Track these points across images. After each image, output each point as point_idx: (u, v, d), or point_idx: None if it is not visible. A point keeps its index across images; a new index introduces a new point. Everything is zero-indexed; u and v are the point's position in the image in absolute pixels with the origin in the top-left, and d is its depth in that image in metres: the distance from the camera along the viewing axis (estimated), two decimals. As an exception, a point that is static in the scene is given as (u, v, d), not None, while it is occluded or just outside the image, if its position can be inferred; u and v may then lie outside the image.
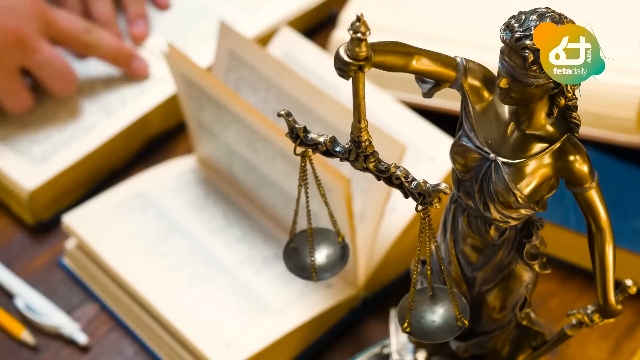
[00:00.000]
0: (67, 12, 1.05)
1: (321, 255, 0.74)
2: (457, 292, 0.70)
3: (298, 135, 0.66)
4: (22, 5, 1.00)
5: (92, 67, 1.09)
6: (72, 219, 0.97)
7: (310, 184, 0.71)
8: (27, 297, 0.95)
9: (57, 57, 1.03)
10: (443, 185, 0.63)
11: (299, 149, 0.67)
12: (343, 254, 0.74)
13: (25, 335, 0.94)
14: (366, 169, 0.66)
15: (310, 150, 0.67)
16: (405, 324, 0.69)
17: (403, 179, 0.65)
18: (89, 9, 1.10)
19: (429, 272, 0.69)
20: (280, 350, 0.90)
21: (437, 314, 0.69)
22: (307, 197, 0.71)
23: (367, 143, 0.64)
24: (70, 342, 0.94)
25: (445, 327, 0.69)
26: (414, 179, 0.64)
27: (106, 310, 0.96)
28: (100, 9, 1.10)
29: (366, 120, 0.63)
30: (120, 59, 1.07)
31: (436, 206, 0.64)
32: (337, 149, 0.66)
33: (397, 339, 0.86)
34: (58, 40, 1.04)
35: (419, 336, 0.69)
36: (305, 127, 0.66)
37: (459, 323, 0.69)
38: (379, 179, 0.66)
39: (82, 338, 0.93)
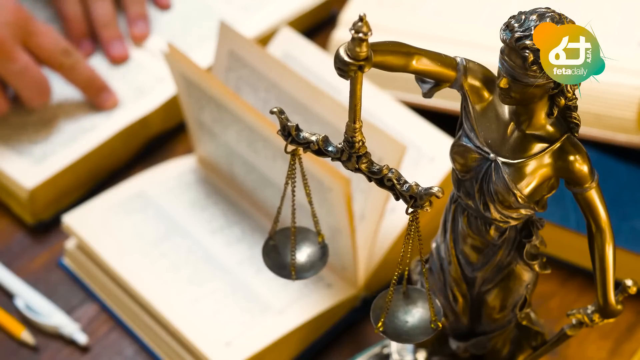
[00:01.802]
0: (51, 29, 1.04)
1: (302, 254, 0.74)
2: (432, 294, 0.69)
3: (290, 133, 0.66)
4: (1, 10, 0.99)
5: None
6: (72, 219, 0.97)
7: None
8: (27, 297, 0.95)
9: (32, 68, 1.01)
10: (435, 189, 0.63)
11: (290, 147, 0.67)
12: (323, 254, 0.74)
13: (25, 335, 0.93)
14: (358, 170, 0.65)
15: (301, 148, 0.67)
16: (380, 324, 0.69)
17: (395, 181, 0.64)
18: (89, 10, 1.10)
19: (405, 274, 0.69)
20: (280, 350, 0.90)
21: (410, 315, 0.69)
22: (293, 195, 0.71)
23: (360, 144, 0.64)
24: (70, 342, 0.94)
25: (419, 329, 0.69)
26: (405, 182, 0.64)
27: (106, 310, 0.96)
28: (100, 9, 1.09)
29: (361, 121, 0.63)
30: (90, 88, 1.05)
31: (427, 209, 0.64)
32: (330, 148, 0.66)
33: (397, 339, 0.86)
34: (34, 53, 1.02)
35: (392, 336, 0.69)
36: (297, 125, 0.66)
37: (432, 325, 0.69)
38: (371, 180, 0.66)
39: (82, 338, 0.93)
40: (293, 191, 0.71)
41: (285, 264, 0.73)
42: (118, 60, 1.09)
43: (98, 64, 1.09)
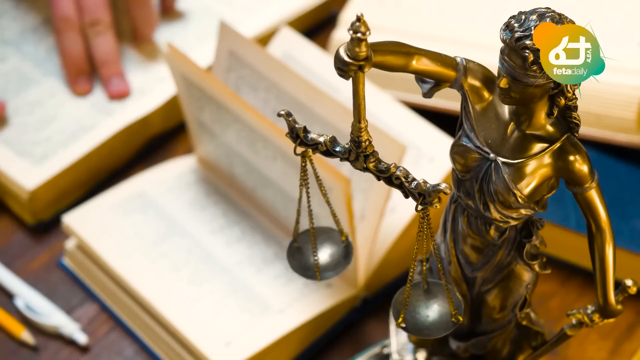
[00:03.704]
0: None
1: (324, 254, 0.74)
2: (451, 287, 0.70)
3: (298, 135, 0.66)
4: None
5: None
6: (72, 219, 0.97)
7: (311, 184, 0.71)
8: (27, 297, 0.95)
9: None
10: (443, 185, 0.63)
11: (299, 149, 0.67)
12: (346, 252, 0.74)
13: (25, 335, 0.93)
14: (366, 169, 0.66)
15: (310, 150, 0.67)
16: (400, 319, 0.69)
17: (403, 179, 0.65)
18: (89, 46, 1.07)
19: (424, 269, 0.69)
20: (280, 350, 0.90)
21: (431, 310, 0.69)
22: (308, 197, 0.71)
23: (367, 143, 0.64)
24: (70, 342, 0.94)
25: (440, 323, 0.69)
26: (414, 179, 0.64)
27: (106, 310, 0.96)
28: (101, 46, 1.07)
29: (366, 120, 0.63)
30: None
31: (436, 206, 0.64)
32: (337, 149, 0.66)
33: (397, 339, 0.86)
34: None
35: (413, 331, 0.69)
36: (305, 127, 0.66)
37: (452, 319, 0.69)
38: (379, 179, 0.66)
39: (82, 338, 0.93)
40: (308, 193, 0.71)
41: (309, 265, 0.74)
42: (117, 97, 1.07)
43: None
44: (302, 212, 0.72)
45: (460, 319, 0.69)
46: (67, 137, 1.04)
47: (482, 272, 0.73)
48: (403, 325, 0.69)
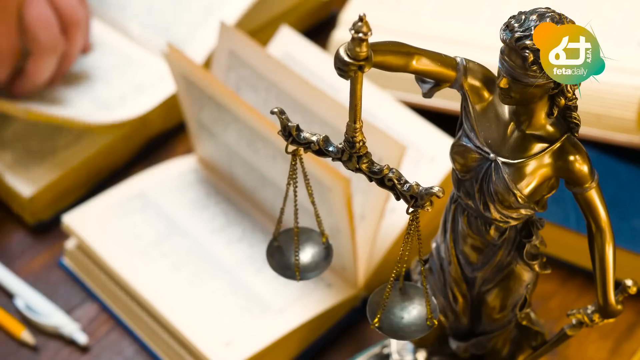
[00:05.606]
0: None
1: (306, 254, 0.74)
2: (429, 291, 0.69)
3: (290, 133, 0.66)
4: None
5: (92, 66, 1.09)
6: (72, 219, 0.97)
7: (300, 183, 0.71)
8: (27, 297, 0.95)
9: None
10: (436, 189, 0.63)
11: (291, 147, 0.67)
12: (327, 254, 0.74)
13: (25, 335, 0.93)
14: (359, 170, 0.65)
15: (301, 149, 0.67)
16: (376, 319, 0.69)
17: (395, 181, 0.64)
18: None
19: (402, 271, 0.69)
20: (280, 350, 0.90)
21: (406, 311, 0.69)
22: (295, 195, 0.71)
23: (361, 144, 0.64)
24: (70, 342, 0.94)
25: (415, 325, 0.69)
26: (406, 182, 0.64)
27: (106, 310, 0.96)
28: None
29: (361, 121, 0.63)
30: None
31: (428, 209, 0.64)
32: (330, 148, 0.66)
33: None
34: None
35: (388, 332, 0.69)
36: (298, 126, 0.66)
37: (428, 322, 0.69)
38: (371, 180, 0.66)
39: (82, 338, 0.93)
40: (295, 191, 0.71)
41: (289, 265, 0.73)
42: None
43: (98, 61, 1.09)
44: (287, 210, 0.72)
45: (436, 322, 0.69)
46: (67, 137, 1.04)
47: (482, 272, 0.73)
48: (378, 325, 0.69)
